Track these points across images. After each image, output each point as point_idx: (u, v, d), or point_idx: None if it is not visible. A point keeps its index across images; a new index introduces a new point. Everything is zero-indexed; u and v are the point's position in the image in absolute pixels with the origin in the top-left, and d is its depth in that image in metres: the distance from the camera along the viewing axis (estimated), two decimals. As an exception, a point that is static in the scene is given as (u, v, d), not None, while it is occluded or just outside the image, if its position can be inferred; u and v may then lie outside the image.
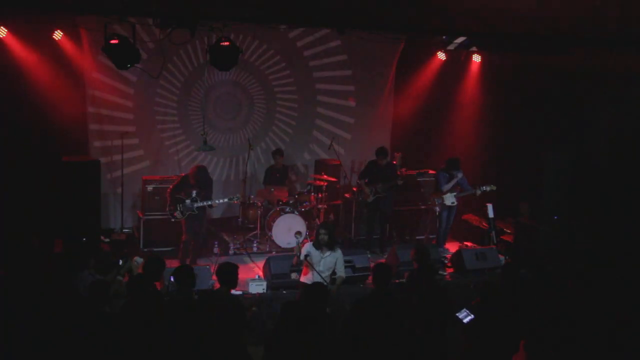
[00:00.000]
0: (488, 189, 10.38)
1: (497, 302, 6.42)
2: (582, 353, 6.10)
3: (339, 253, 7.77)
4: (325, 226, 7.78)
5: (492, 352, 6.18)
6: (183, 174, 9.81)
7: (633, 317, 6.85)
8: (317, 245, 7.65)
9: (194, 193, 9.39)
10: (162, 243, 10.07)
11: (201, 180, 9.47)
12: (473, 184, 10.63)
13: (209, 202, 9.49)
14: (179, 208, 9.36)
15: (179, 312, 6.07)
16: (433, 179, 11.28)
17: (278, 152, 11.14)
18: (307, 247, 7.74)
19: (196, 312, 6.14)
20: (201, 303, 6.44)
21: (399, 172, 11.62)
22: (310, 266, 7.50)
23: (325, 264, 7.63)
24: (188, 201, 9.36)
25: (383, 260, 10.03)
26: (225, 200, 9.81)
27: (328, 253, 7.65)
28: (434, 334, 6.55)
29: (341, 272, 7.75)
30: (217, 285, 6.54)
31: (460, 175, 10.56)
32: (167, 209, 9.46)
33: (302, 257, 7.57)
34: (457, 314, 6.59)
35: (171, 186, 9.64)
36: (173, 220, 9.50)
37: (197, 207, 9.41)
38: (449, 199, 10.52)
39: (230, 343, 6.07)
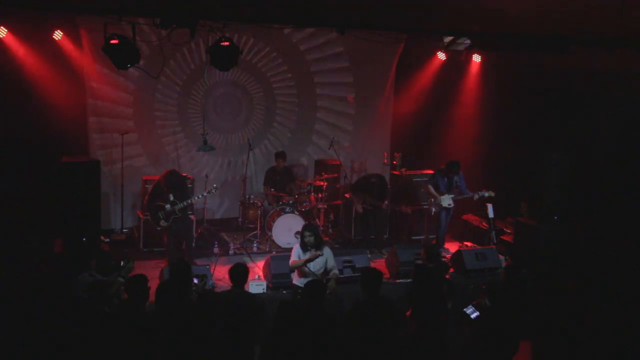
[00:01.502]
0: (487, 194, 10.38)
1: (501, 302, 6.43)
2: (584, 353, 6.10)
3: (327, 251, 7.78)
4: (309, 228, 7.77)
5: (493, 353, 6.18)
6: (156, 181, 9.75)
7: (633, 317, 6.85)
8: (304, 248, 7.65)
9: (171, 197, 9.38)
10: (161, 243, 10.06)
11: (174, 185, 9.46)
12: (472, 188, 10.63)
13: (189, 201, 9.52)
14: (161, 216, 9.36)
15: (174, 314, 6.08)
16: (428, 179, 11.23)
17: (280, 155, 11.12)
18: (296, 250, 7.73)
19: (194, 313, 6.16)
20: (201, 304, 6.46)
21: (398, 172, 11.64)
22: (312, 273, 7.50)
23: (315, 265, 7.63)
24: (168, 206, 9.36)
25: (382, 260, 10.07)
26: (204, 194, 9.82)
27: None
28: (432, 333, 6.54)
29: (334, 270, 7.75)
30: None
31: (457, 178, 10.57)
32: (151, 220, 9.45)
33: (305, 268, 7.57)
34: (464, 310, 6.61)
35: (146, 197, 9.63)
36: (159, 229, 9.49)
37: (179, 209, 9.41)
38: (446, 201, 10.53)
39: (246, 337, 6.09)
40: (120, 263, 7.35)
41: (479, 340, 6.24)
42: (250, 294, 7.07)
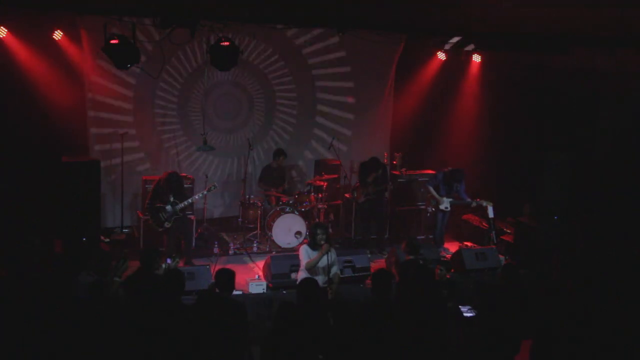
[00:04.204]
0: (484, 203, 10.39)
1: (495, 302, 6.44)
2: (584, 353, 6.10)
3: (333, 251, 7.81)
4: (321, 226, 7.79)
5: (493, 353, 6.18)
6: (154, 184, 9.77)
7: (633, 317, 6.84)
8: (314, 246, 7.65)
9: (171, 198, 9.40)
10: (161, 243, 10.05)
11: (175, 186, 9.48)
12: (471, 189, 10.63)
13: (190, 201, 9.55)
14: (163, 217, 9.38)
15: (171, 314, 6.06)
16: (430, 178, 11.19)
17: (279, 153, 11.13)
18: (304, 249, 7.72)
19: (191, 315, 6.15)
20: (199, 305, 6.44)
21: (398, 172, 11.64)
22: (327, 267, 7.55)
23: (322, 263, 7.66)
24: (168, 207, 9.38)
25: (382, 260, 10.07)
26: (205, 192, 9.84)
27: None
28: (432, 330, 6.53)
29: (335, 270, 7.76)
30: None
31: (458, 184, 10.58)
32: (153, 223, 9.45)
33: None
34: (460, 307, 6.64)
35: (147, 200, 9.64)
36: (161, 230, 9.50)
37: (181, 209, 9.43)
38: (444, 204, 10.54)
39: (232, 345, 6.07)
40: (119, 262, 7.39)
41: (479, 341, 6.24)
42: (233, 299, 6.75)
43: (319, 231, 7.65)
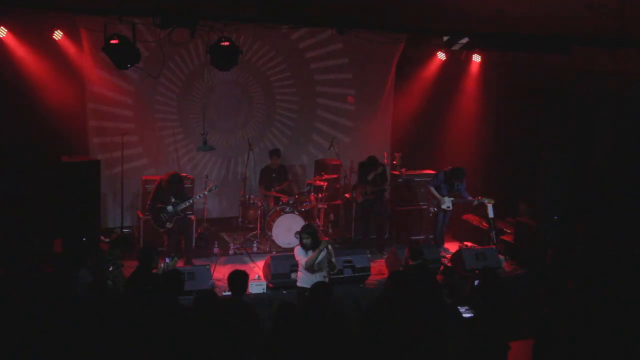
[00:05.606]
0: (486, 201, 10.40)
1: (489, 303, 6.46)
2: (584, 353, 6.11)
3: (329, 247, 7.72)
4: (306, 230, 7.69)
5: (491, 353, 6.18)
6: (155, 184, 9.77)
7: (633, 317, 6.85)
8: (305, 249, 7.63)
9: (172, 198, 9.41)
10: (162, 243, 10.05)
11: (176, 187, 9.53)
12: (471, 189, 10.64)
13: (190, 201, 9.60)
14: (164, 217, 9.40)
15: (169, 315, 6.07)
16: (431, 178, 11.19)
17: (274, 153, 11.14)
18: (299, 250, 7.68)
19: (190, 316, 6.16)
20: (199, 305, 6.44)
21: (398, 172, 11.65)
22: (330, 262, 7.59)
23: (321, 259, 7.62)
24: (170, 207, 9.40)
25: (382, 260, 10.08)
26: (205, 193, 9.86)
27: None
28: (432, 330, 6.54)
29: (333, 260, 7.73)
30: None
31: (459, 183, 10.58)
32: (155, 224, 9.48)
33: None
34: (459, 307, 6.65)
35: (148, 201, 9.65)
36: (163, 230, 9.53)
37: (182, 209, 9.45)
38: (446, 203, 10.55)
39: (243, 348, 6.07)
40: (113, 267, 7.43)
41: (476, 341, 6.25)
42: (247, 305, 6.67)
43: (304, 236, 7.60)
